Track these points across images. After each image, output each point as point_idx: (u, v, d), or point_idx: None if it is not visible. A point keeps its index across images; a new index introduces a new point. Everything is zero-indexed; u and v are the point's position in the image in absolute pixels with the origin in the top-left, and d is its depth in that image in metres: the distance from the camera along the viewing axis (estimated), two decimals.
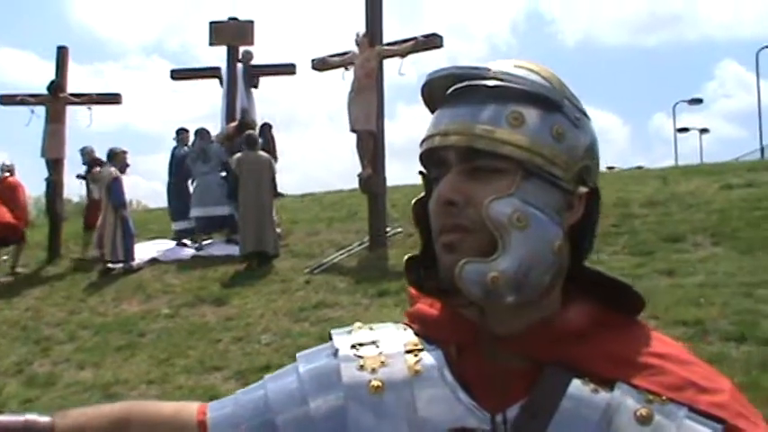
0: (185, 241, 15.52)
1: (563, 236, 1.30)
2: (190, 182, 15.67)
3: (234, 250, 13.95)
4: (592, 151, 1.37)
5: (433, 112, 1.40)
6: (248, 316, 10.98)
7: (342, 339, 1.43)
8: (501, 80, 1.32)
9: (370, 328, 1.46)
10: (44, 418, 1.43)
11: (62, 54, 17.70)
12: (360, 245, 13.45)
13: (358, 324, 1.48)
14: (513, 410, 1.27)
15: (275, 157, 15.73)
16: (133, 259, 14.40)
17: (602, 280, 1.39)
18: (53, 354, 10.80)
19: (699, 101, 47.50)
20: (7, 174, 16.00)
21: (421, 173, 1.42)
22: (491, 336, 1.32)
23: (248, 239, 13.19)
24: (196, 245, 15.18)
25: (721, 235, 11.00)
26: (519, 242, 1.24)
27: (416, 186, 1.37)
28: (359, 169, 13.71)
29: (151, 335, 11.00)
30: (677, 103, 46.99)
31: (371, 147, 13.61)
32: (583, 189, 1.33)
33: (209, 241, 15.21)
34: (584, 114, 1.38)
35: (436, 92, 1.40)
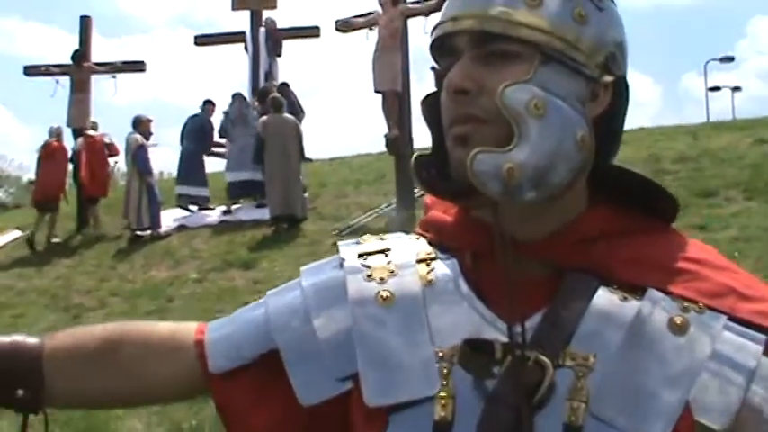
0: (192, 208, 15.54)
1: (587, 127, 1.18)
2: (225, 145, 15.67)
3: (261, 214, 13.93)
4: (617, 37, 1.25)
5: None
6: (276, 279, 10.91)
7: (348, 250, 1.34)
8: None
9: (381, 238, 1.36)
10: (32, 339, 1.36)
11: (85, 23, 17.73)
12: (388, 206, 13.40)
13: (367, 235, 1.38)
14: (533, 320, 1.16)
15: (301, 113, 15.64)
16: (159, 226, 14.41)
17: (632, 181, 1.27)
18: (83, 321, 10.80)
19: (730, 59, 46.88)
20: (54, 138, 15.92)
21: (432, 68, 1.30)
22: (509, 241, 1.20)
23: (275, 203, 13.15)
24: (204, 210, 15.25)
25: (754, 190, 10.91)
26: (537, 131, 1.13)
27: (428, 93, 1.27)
28: (386, 130, 13.61)
29: (180, 300, 11.03)
30: (708, 62, 46.40)
31: (397, 107, 13.52)
32: (608, 78, 1.22)
33: (237, 206, 15.17)
34: None
35: None
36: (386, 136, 13.56)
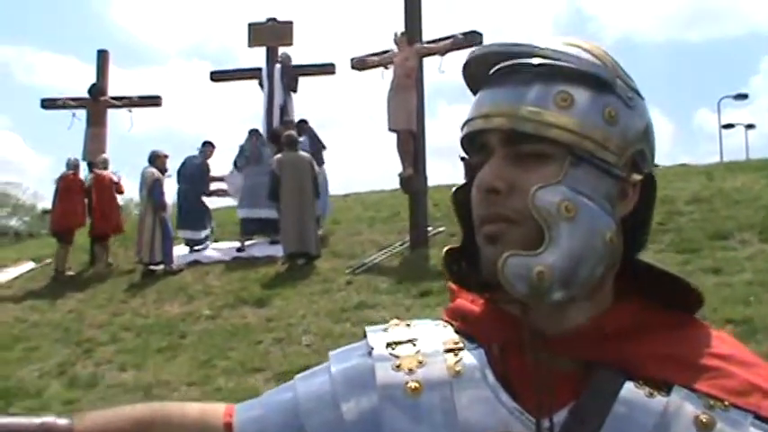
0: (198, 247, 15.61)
1: (615, 227, 1.19)
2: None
3: (275, 251, 13.96)
4: (647, 134, 1.26)
5: (475, 93, 1.30)
6: (289, 317, 10.96)
7: (377, 337, 1.34)
8: (547, 58, 1.22)
9: (407, 325, 1.37)
10: (62, 421, 1.35)
11: (103, 57, 17.93)
12: (401, 245, 13.43)
13: (394, 321, 1.39)
14: (560, 415, 1.17)
15: (323, 148, 15.71)
16: (172, 261, 14.44)
17: (657, 275, 1.28)
18: (95, 355, 10.85)
19: (744, 96, 46.75)
20: (72, 171, 16.01)
21: (462, 158, 1.32)
22: (537, 335, 1.21)
23: (290, 240, 13.17)
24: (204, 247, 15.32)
25: None
26: (567, 233, 1.14)
27: (458, 185, 1.28)
28: (400, 169, 13.64)
29: (192, 336, 11.01)
30: (722, 99, 46.31)
31: (412, 146, 13.57)
32: (637, 176, 1.22)
33: (251, 242, 15.20)
34: (638, 94, 1.27)
35: (478, 72, 1.30)
36: (400, 174, 13.60)
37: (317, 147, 15.16)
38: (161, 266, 14.34)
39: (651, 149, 1.27)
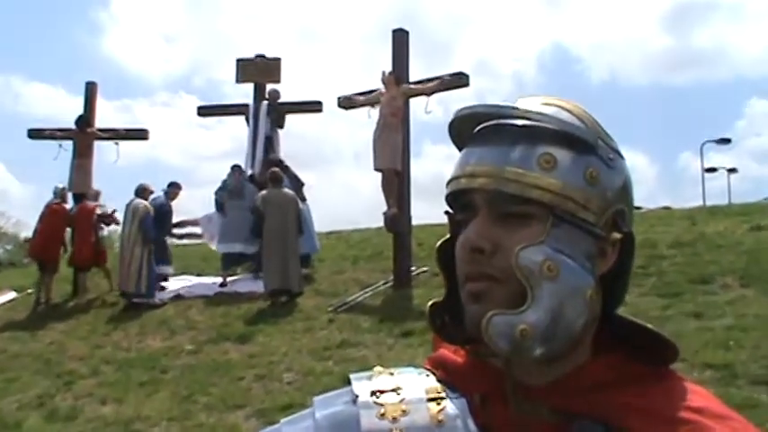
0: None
1: (595, 284, 1.23)
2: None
3: (258, 286, 13.95)
4: (626, 193, 1.30)
5: (460, 149, 1.34)
6: (271, 354, 10.93)
7: (361, 385, 1.36)
8: (529, 119, 1.26)
9: (391, 374, 1.39)
10: None
11: (91, 89, 17.94)
12: (384, 284, 13.43)
13: (378, 369, 1.41)
14: None
15: (302, 185, 15.76)
16: (155, 295, 14.43)
17: (635, 328, 1.31)
18: (75, 388, 10.78)
19: (727, 140, 46.95)
20: (59, 199, 16.06)
21: (447, 212, 1.36)
22: (518, 386, 1.25)
23: (273, 277, 13.17)
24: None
25: (751, 277, 10.90)
26: (549, 292, 1.18)
27: (442, 225, 1.32)
28: (384, 207, 13.68)
29: (174, 371, 10.95)
30: (705, 143, 46.57)
31: (397, 185, 13.62)
32: (616, 235, 1.26)
33: (233, 278, 15.19)
34: (618, 154, 1.31)
35: (463, 129, 1.34)
36: (385, 213, 13.62)
37: (295, 185, 15.20)
38: (144, 300, 14.28)
39: (630, 207, 1.31)
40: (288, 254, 13.18)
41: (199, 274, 16.18)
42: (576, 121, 1.28)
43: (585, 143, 1.25)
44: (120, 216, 16.04)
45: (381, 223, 14.30)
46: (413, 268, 13.64)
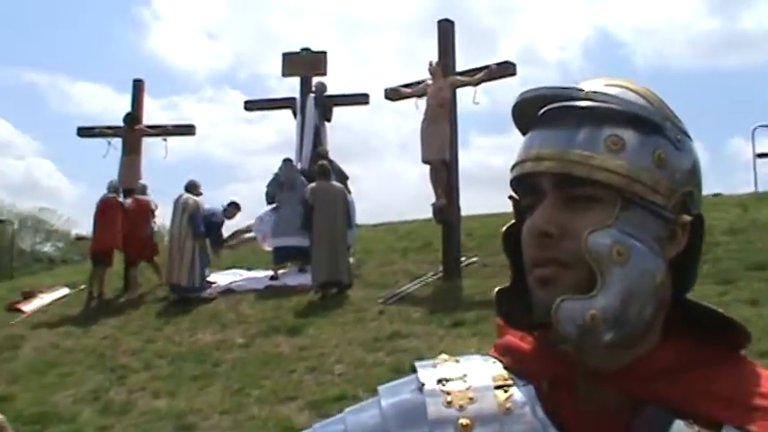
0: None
1: (665, 268, 1.21)
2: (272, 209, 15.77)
3: (308, 279, 13.98)
4: (694, 175, 1.27)
5: (524, 133, 1.32)
6: (322, 346, 10.96)
7: (427, 373, 1.34)
8: (596, 100, 1.23)
9: (456, 361, 1.37)
10: None
11: (138, 86, 18.08)
12: (434, 275, 13.41)
13: (443, 356, 1.39)
14: None
15: (346, 179, 15.78)
16: (209, 287, 14.66)
17: (705, 313, 1.28)
18: (129, 382, 10.89)
19: None
20: (113, 194, 16.21)
21: (511, 197, 1.33)
22: (587, 372, 1.23)
23: (322, 269, 13.22)
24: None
25: None
26: (619, 277, 1.15)
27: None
28: (432, 198, 13.68)
29: (226, 364, 11.03)
30: (756, 128, 45.91)
31: (445, 176, 13.61)
32: (686, 217, 1.23)
33: (283, 271, 15.25)
34: (686, 134, 1.28)
35: (527, 112, 1.31)
36: (433, 204, 13.62)
37: (340, 178, 15.21)
38: (196, 294, 14.41)
39: (699, 189, 1.29)
40: (337, 246, 13.21)
41: (249, 269, 16.24)
42: (643, 101, 1.26)
43: (653, 124, 1.23)
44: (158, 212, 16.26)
45: (429, 214, 14.29)
46: (462, 259, 13.61)
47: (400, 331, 10.99)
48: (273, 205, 15.70)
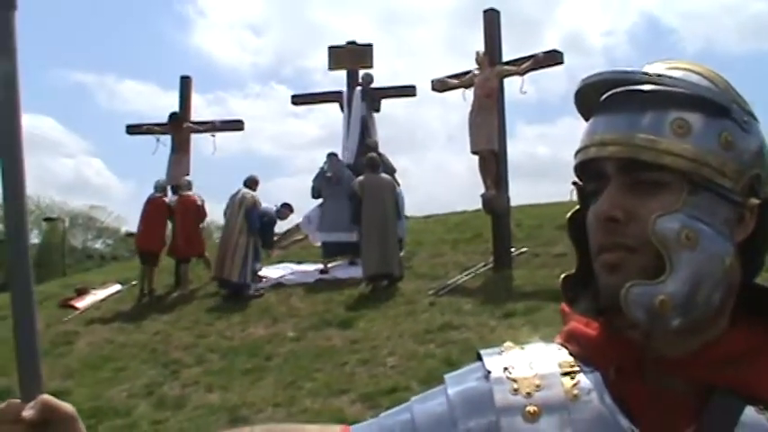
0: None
1: (733, 252, 1.19)
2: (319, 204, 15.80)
3: (358, 272, 14.02)
4: (762, 157, 1.24)
5: (586, 119, 1.30)
6: (374, 338, 10.98)
7: (493, 361, 1.32)
8: (660, 84, 1.21)
9: (522, 348, 1.35)
10: None
11: (186, 84, 18.19)
12: (484, 266, 13.39)
13: (508, 343, 1.37)
14: None
15: (394, 171, 15.75)
16: (260, 281, 14.76)
17: None
18: (182, 376, 10.97)
19: None
20: (161, 193, 16.33)
21: (575, 184, 1.32)
22: (655, 358, 1.20)
23: (372, 261, 13.24)
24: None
25: None
26: (688, 261, 1.14)
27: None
28: (480, 189, 13.67)
29: (278, 358, 11.08)
30: None
31: (494, 167, 13.59)
32: (755, 200, 1.21)
33: (333, 264, 15.29)
34: (753, 116, 1.26)
35: (590, 97, 1.30)
36: (482, 195, 13.60)
37: (388, 171, 15.20)
38: (246, 291, 14.50)
39: (766, 171, 1.25)
40: (387, 238, 13.23)
41: (299, 262, 16.31)
42: (708, 83, 1.24)
43: (719, 106, 1.21)
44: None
45: (478, 205, 14.30)
46: (512, 249, 13.58)
47: (451, 322, 10.99)
48: (319, 201, 15.78)
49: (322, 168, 15.92)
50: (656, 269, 1.15)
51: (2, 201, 1.31)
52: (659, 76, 1.23)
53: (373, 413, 8.79)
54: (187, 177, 16.64)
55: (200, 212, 16.16)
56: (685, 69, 1.26)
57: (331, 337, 11.52)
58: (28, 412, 1.17)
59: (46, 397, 1.20)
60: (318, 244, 15.88)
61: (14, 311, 1.25)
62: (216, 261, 15.03)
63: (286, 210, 16.47)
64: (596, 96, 1.28)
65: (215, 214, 16.28)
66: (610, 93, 1.26)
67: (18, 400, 1.20)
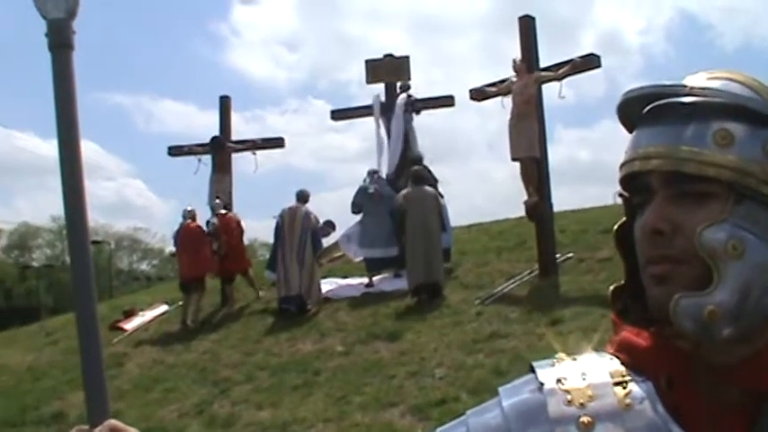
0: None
1: None
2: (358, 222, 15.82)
3: (403, 285, 14.04)
4: None
5: (630, 131, 1.31)
6: (421, 350, 10.98)
7: (546, 372, 1.33)
8: (701, 96, 1.21)
9: (574, 359, 1.36)
10: None
11: (225, 103, 18.29)
12: (530, 273, 13.36)
13: (561, 355, 1.38)
14: None
15: (436, 182, 15.74)
16: (318, 300, 14.78)
17: None
18: (232, 394, 11.02)
19: None
20: (189, 221, 16.35)
21: (621, 195, 1.33)
22: (706, 366, 1.20)
23: (417, 273, 13.25)
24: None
25: None
26: (736, 271, 1.14)
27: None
28: (522, 196, 13.66)
29: (326, 373, 11.10)
30: None
31: (536, 173, 13.56)
32: None
33: (379, 277, 15.32)
34: None
35: (632, 109, 1.31)
36: (525, 202, 13.58)
37: (430, 182, 15.20)
38: (312, 307, 14.55)
39: None
40: (432, 250, 13.27)
41: (344, 276, 16.35)
42: (749, 92, 1.23)
43: (761, 115, 1.20)
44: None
45: (521, 212, 14.27)
46: (557, 255, 13.54)
47: (499, 331, 10.97)
48: (358, 218, 15.81)
49: (363, 185, 15.96)
50: (704, 280, 1.15)
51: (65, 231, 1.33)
52: (701, 88, 1.23)
53: (424, 425, 8.77)
54: (217, 200, 16.65)
55: (240, 228, 16.28)
56: (726, 79, 1.26)
57: (379, 350, 11.53)
58: None
59: (113, 422, 1.22)
60: (358, 260, 15.89)
61: (81, 339, 1.26)
62: (280, 279, 14.94)
63: (328, 227, 16.44)
64: (639, 108, 1.29)
65: (258, 231, 16.34)
66: (651, 105, 1.27)
67: (86, 426, 1.22)
